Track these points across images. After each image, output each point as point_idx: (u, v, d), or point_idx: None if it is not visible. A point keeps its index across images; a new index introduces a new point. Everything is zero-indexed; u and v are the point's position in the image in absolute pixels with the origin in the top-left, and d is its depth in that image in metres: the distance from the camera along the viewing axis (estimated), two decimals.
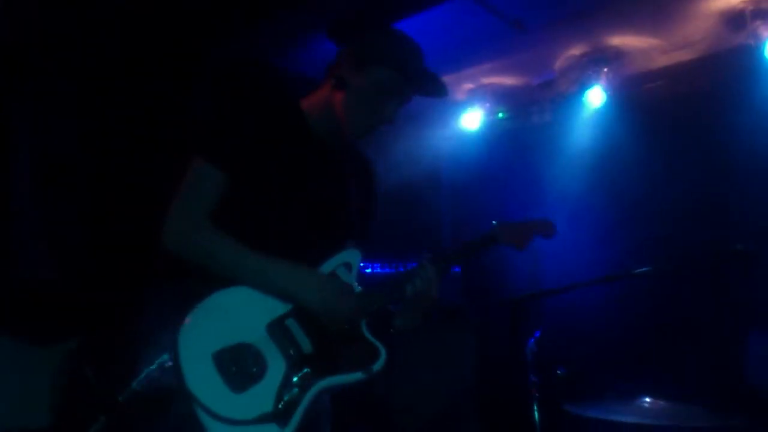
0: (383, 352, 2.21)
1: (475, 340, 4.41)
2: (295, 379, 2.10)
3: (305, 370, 2.12)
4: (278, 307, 2.18)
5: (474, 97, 5.30)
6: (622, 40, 4.70)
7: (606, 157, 4.76)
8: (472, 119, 5.36)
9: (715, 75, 4.70)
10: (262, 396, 2.06)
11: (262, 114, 2.25)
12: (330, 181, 2.37)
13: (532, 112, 5.36)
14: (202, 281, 2.14)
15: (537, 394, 3.85)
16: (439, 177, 5.78)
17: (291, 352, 2.14)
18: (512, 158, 5.23)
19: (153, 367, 2.13)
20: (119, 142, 4.09)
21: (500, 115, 5.46)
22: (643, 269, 3.64)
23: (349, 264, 2.31)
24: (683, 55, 4.75)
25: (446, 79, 5.10)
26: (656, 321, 4.18)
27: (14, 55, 3.74)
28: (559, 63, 4.95)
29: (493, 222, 2.50)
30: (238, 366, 2.06)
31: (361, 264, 2.36)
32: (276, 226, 2.24)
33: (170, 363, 2.06)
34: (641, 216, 4.50)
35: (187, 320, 2.07)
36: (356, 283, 2.30)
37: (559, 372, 3.75)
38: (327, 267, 2.28)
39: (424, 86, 2.33)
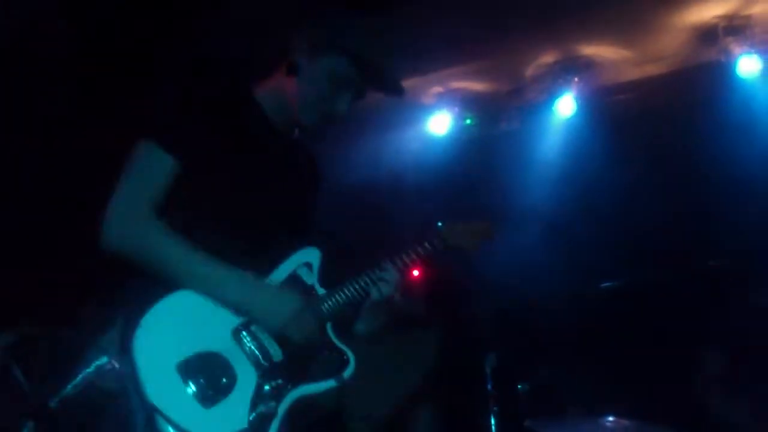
0: (352, 357, 2.08)
1: (435, 347, 4.29)
2: (267, 389, 1.95)
3: (278, 380, 1.97)
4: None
5: (442, 101, 5.19)
6: (594, 50, 4.66)
7: (576, 167, 4.70)
8: (439, 123, 5.25)
9: (686, 90, 4.69)
10: (234, 410, 1.89)
11: (214, 102, 2.08)
12: (288, 173, 2.22)
13: (500, 119, 5.27)
14: (152, 280, 1.92)
15: (495, 407, 3.77)
16: (402, 181, 5.65)
17: (261, 360, 1.97)
18: (479, 165, 5.13)
19: (90, 369, 1.90)
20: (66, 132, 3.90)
21: (468, 121, 5.35)
22: (612, 284, 3.60)
23: (310, 263, 2.15)
24: (655, 69, 4.73)
25: (415, 81, 5.14)
26: (624, 337, 4.11)
27: None
28: (531, 70, 4.89)
29: (438, 223, 2.34)
30: (207, 377, 1.88)
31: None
32: (230, 222, 2.05)
33: (110, 366, 1.84)
34: (611, 229, 4.44)
35: (142, 325, 1.85)
36: (318, 284, 2.14)
37: (520, 387, 3.67)
38: (286, 267, 2.12)
39: (379, 82, 2.17)
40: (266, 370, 1.96)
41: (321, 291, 2.13)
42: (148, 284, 1.92)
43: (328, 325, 2.11)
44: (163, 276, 1.92)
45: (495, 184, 4.86)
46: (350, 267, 2.21)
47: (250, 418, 1.89)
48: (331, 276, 2.17)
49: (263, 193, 2.13)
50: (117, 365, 1.84)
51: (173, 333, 1.89)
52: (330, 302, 2.09)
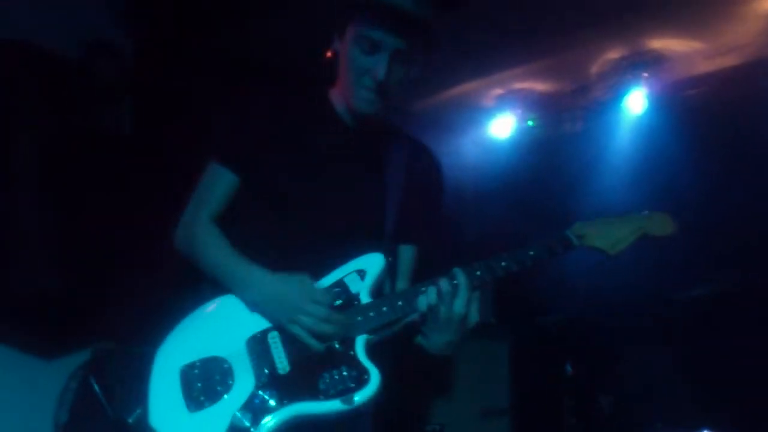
0: (374, 380, 1.87)
1: (509, 360, 4.12)
2: (257, 401, 1.84)
3: (274, 393, 1.86)
4: (264, 320, 1.97)
5: (504, 103, 5.03)
6: (663, 43, 4.45)
7: (649, 166, 4.48)
8: (501, 126, 5.10)
9: (762, 81, 4.45)
10: (215, 418, 1.83)
11: (279, 110, 2.09)
12: (360, 177, 2.12)
13: (565, 119, 5.08)
14: (212, 287, 2.00)
15: (574, 421, 3.60)
16: (463, 187, 5.52)
17: (264, 370, 1.89)
18: (545, 168, 4.95)
19: None
20: (125, 147, 3.90)
21: (530, 122, 5.19)
22: (699, 290, 3.39)
23: (363, 271, 2.01)
24: (728, 60, 4.49)
25: (474, 84, 5.00)
26: (715, 346, 3.86)
27: (17, 54, 3.54)
28: (596, 67, 4.70)
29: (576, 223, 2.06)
30: (204, 382, 1.87)
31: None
32: (288, 230, 2.04)
33: None
34: (691, 232, 4.21)
35: (177, 327, 1.95)
36: (366, 293, 1.98)
37: (601, 400, 3.50)
38: (337, 273, 2.01)
39: (403, 29, 1.94)
40: (266, 382, 1.88)
41: (365, 301, 1.98)
42: (211, 289, 2.00)
43: (360, 339, 1.93)
44: (207, 274, 2.03)
45: (562, 188, 4.68)
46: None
47: (227, 428, 1.81)
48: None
49: (324, 198, 2.05)
50: None
51: (194, 336, 1.94)
52: (371, 313, 1.94)
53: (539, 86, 4.96)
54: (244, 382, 1.88)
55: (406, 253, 2.18)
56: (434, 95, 5.10)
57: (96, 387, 3.32)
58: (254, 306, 1.97)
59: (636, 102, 4.58)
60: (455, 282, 1.90)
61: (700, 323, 3.80)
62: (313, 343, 1.89)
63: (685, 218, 2.17)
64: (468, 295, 1.89)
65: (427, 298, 1.90)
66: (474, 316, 1.92)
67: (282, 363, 1.90)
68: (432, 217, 2.23)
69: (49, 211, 3.60)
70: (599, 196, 4.48)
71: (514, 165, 5.13)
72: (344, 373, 1.88)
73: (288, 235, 2.02)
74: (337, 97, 2.14)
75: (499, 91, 5.03)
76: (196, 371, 1.89)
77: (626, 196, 4.42)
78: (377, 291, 2.01)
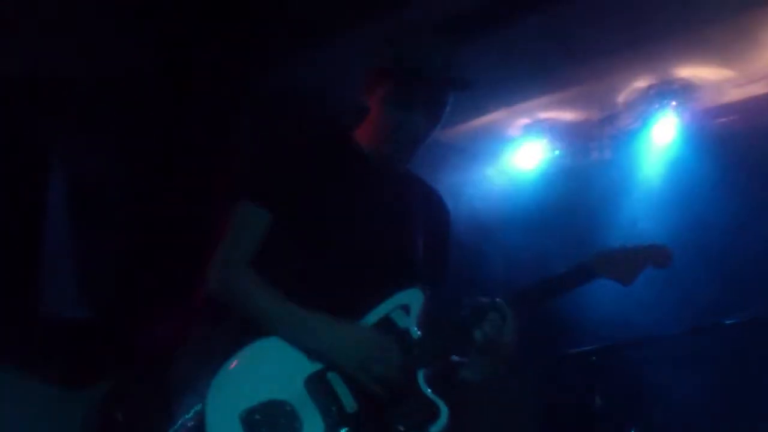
0: (444, 410, 1.88)
1: (537, 394, 4.04)
2: None
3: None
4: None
5: (530, 132, 5.01)
6: (691, 72, 4.41)
7: (678, 196, 4.42)
8: (527, 156, 5.07)
9: None
10: None
11: (309, 148, 2.14)
12: (389, 214, 2.14)
13: (592, 148, 5.05)
14: (246, 327, 1.95)
15: None
16: (488, 218, 5.48)
17: (332, 410, 1.86)
18: (571, 198, 4.90)
19: (188, 415, 2.00)
20: (156, 176, 3.92)
21: (557, 152, 5.16)
22: (731, 320, 3.30)
23: (407, 306, 2.02)
24: (759, 88, 4.44)
25: (499, 114, 4.98)
26: (748, 378, 3.75)
27: (50, 86, 3.61)
28: (623, 96, 4.67)
29: (591, 254, 2.17)
30: (269, 427, 1.81)
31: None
32: (326, 266, 2.03)
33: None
34: (724, 260, 4.12)
35: (221, 372, 1.87)
36: (415, 328, 1.99)
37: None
38: (381, 310, 2.00)
39: (436, 88, 2.06)
40: (336, 422, 1.85)
41: (417, 335, 1.98)
42: (246, 329, 1.95)
43: (421, 373, 1.93)
44: (253, 321, 1.97)
45: (589, 217, 4.62)
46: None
47: None
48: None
49: (360, 236, 2.07)
50: None
51: (246, 381, 1.88)
52: (425, 347, 1.95)
53: (566, 115, 4.94)
54: (313, 424, 1.84)
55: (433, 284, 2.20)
56: (460, 125, 5.10)
57: (118, 416, 3.31)
58: (314, 354, 1.93)
59: (664, 131, 4.54)
60: (504, 314, 1.97)
61: (731, 353, 3.70)
62: (379, 390, 1.88)
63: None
64: (514, 325, 1.97)
65: (482, 330, 1.95)
66: (517, 345, 2.00)
67: (348, 401, 1.88)
68: (443, 261, 2.31)
69: (78, 242, 3.62)
70: (626, 225, 4.43)
71: (541, 194, 5.10)
72: (413, 408, 1.90)
73: (324, 275, 2.02)
74: (364, 140, 2.18)
75: (525, 120, 5.01)
76: (258, 416, 1.83)
77: (654, 225, 4.35)
78: (423, 324, 2.01)
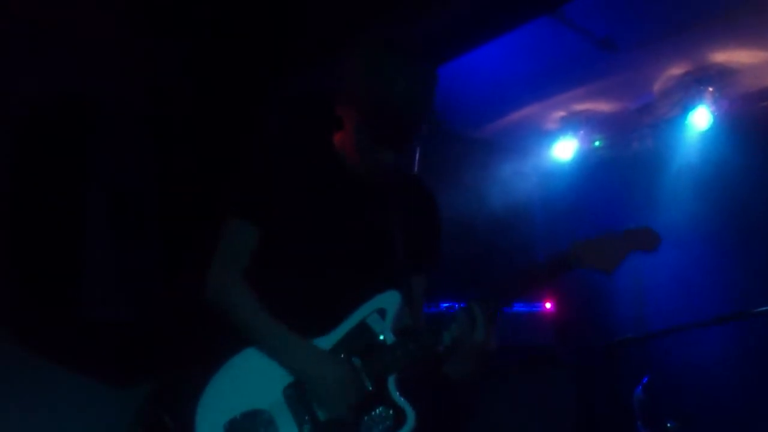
0: (410, 416, 1.97)
1: (574, 388, 4.03)
2: None
3: None
4: None
5: (567, 125, 5.00)
6: (727, 56, 4.31)
7: (716, 183, 4.34)
8: (564, 149, 5.06)
9: None
10: None
11: (293, 162, 2.16)
12: (368, 222, 2.18)
13: (631, 138, 4.99)
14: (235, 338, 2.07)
15: None
16: (532, 212, 5.48)
17: (306, 417, 1.98)
18: (612, 188, 4.86)
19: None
20: (195, 181, 4.05)
21: (596, 143, 5.12)
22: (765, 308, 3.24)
23: (384, 310, 2.08)
24: None
25: (534, 107, 4.98)
26: None
27: (89, 99, 3.77)
28: (659, 84, 4.60)
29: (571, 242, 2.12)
30: None
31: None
32: (307, 273, 2.11)
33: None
34: (762, 247, 4.03)
35: (212, 381, 2.00)
36: (389, 332, 2.05)
37: (669, 425, 3.37)
38: (359, 314, 2.08)
39: (405, 125, 2.03)
40: (309, 429, 1.96)
41: (390, 340, 2.04)
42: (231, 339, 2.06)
43: (392, 379, 2.01)
44: (240, 332, 2.08)
45: (628, 207, 4.58)
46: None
47: None
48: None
49: (339, 242, 2.13)
50: None
51: (232, 390, 2.00)
52: (398, 352, 2.01)
53: (602, 106, 4.89)
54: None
55: (417, 283, 2.25)
56: (497, 120, 5.12)
57: (166, 418, 3.44)
58: (287, 369, 2.04)
59: (702, 118, 4.46)
60: (472, 314, 2.01)
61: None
62: (343, 415, 1.97)
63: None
64: (486, 326, 2.00)
65: (450, 332, 2.00)
66: (493, 344, 2.02)
67: (322, 409, 1.99)
68: (434, 246, 2.31)
69: (120, 247, 3.76)
70: (667, 212, 4.37)
71: (581, 185, 5.07)
72: (382, 414, 1.98)
73: (306, 282, 2.09)
74: (341, 149, 2.19)
75: (561, 113, 4.99)
76: (240, 427, 1.96)
77: (690, 214, 4.28)
78: (399, 328, 2.08)
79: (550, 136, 5.11)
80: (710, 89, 4.42)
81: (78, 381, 3.53)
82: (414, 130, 2.06)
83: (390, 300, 2.08)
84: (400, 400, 1.98)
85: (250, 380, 2.01)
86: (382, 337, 2.04)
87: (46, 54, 3.59)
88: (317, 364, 1.99)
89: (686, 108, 4.53)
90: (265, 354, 2.04)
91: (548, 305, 4.34)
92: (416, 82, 2.02)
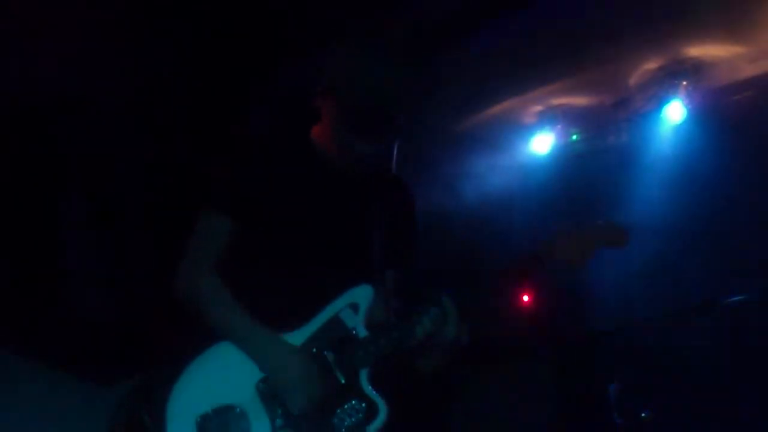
0: (382, 409, 1.99)
1: (552, 380, 4.08)
2: None
3: None
4: None
5: (544, 119, 5.03)
6: (701, 50, 4.36)
7: (690, 175, 4.40)
8: (542, 143, 5.09)
9: None
10: None
11: (270, 155, 2.16)
12: (343, 216, 2.20)
13: (607, 132, 5.04)
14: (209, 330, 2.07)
15: None
16: (509, 205, 5.51)
17: (278, 411, 1.98)
18: (589, 182, 4.91)
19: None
20: (177, 181, 4.04)
21: (574, 137, 5.16)
22: (741, 296, 3.30)
23: (356, 304, 2.09)
24: None
25: (513, 102, 5.01)
26: (760, 358, 3.72)
27: (67, 100, 3.75)
28: (634, 79, 4.65)
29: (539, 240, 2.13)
30: (220, 431, 1.94)
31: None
32: (279, 271, 2.11)
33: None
34: (735, 238, 4.10)
35: (182, 376, 1.99)
36: (362, 327, 2.07)
37: (644, 415, 3.42)
38: (332, 309, 2.09)
39: (383, 120, 2.04)
40: (281, 424, 1.97)
41: (363, 334, 2.06)
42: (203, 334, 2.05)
43: (364, 372, 2.02)
44: (211, 327, 2.06)
45: (605, 200, 4.63)
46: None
47: None
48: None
49: (313, 236, 2.14)
50: None
51: (203, 386, 1.99)
52: (371, 347, 2.03)
53: (579, 101, 4.93)
54: (260, 426, 1.96)
55: (391, 277, 2.27)
56: (475, 114, 5.15)
57: (144, 415, 3.45)
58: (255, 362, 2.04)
59: (676, 112, 4.51)
60: (444, 309, 2.02)
61: (745, 331, 3.68)
62: (310, 409, 1.98)
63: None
64: (458, 321, 2.01)
65: (422, 327, 2.01)
66: (464, 338, 2.04)
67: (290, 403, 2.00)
68: (409, 241, 2.32)
69: (102, 250, 3.75)
70: (642, 207, 4.42)
71: (559, 178, 5.11)
72: (354, 407, 1.99)
73: (280, 277, 2.09)
74: (320, 142, 2.20)
75: (538, 107, 5.03)
76: (211, 421, 1.95)
77: (667, 205, 4.34)
78: (371, 322, 2.09)
79: (528, 130, 5.14)
80: (684, 83, 4.47)
81: (59, 380, 3.54)
82: (392, 122, 2.05)
83: (363, 294, 2.09)
84: (372, 394, 2.00)
85: (223, 375, 2.01)
86: (354, 332, 2.05)
87: (25, 54, 3.57)
88: (283, 358, 2.00)
89: (661, 102, 4.57)
90: (236, 348, 2.04)
91: (525, 298, 4.38)
92: (396, 73, 2.03)
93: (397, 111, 2.05)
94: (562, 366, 4.14)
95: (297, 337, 2.06)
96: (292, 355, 2.02)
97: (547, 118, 5.02)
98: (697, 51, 4.37)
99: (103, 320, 3.79)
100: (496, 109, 5.04)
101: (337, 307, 2.08)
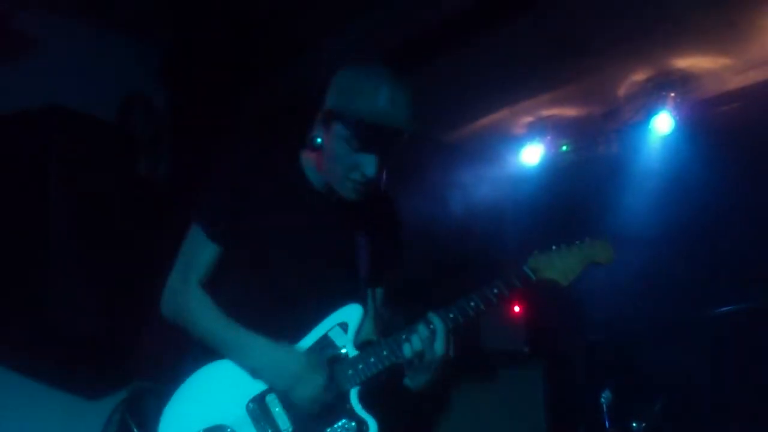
0: (372, 427, 2.00)
1: (545, 387, 4.07)
2: None
3: None
4: (261, 382, 2.05)
5: (534, 130, 5.06)
6: (689, 62, 4.40)
7: (678, 185, 4.42)
8: (532, 154, 5.11)
9: None
10: None
11: (261, 181, 2.15)
12: (332, 238, 2.19)
13: (597, 143, 5.07)
14: (201, 351, 2.07)
15: None
16: (499, 217, 5.52)
17: (268, 430, 1.99)
18: (578, 192, 4.92)
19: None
20: (163, 187, 4.04)
21: (564, 148, 5.19)
22: (730, 307, 3.31)
23: (346, 323, 2.10)
24: (760, 74, 4.41)
25: (503, 113, 5.03)
26: (753, 370, 3.72)
27: (58, 105, 3.74)
28: (623, 90, 4.68)
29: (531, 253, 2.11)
30: None
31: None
32: (270, 289, 2.12)
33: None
34: (724, 247, 4.11)
35: (175, 395, 2.01)
36: (351, 346, 2.07)
37: (635, 425, 3.42)
38: (321, 328, 2.10)
39: (391, 137, 1.99)
40: None
41: (353, 353, 2.06)
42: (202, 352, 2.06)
43: (353, 391, 2.03)
44: (201, 342, 2.08)
45: (594, 210, 4.65)
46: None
47: None
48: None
49: (302, 256, 2.14)
50: None
51: (195, 406, 2.00)
52: (360, 366, 2.03)
53: (568, 112, 4.96)
54: None
55: (378, 295, 2.30)
56: (465, 126, 5.16)
57: (131, 422, 3.44)
58: (252, 372, 2.05)
59: (663, 122, 4.54)
60: (432, 327, 2.01)
61: (734, 342, 3.69)
62: (310, 408, 1.99)
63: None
64: (446, 337, 2.01)
65: (410, 345, 2.00)
66: (452, 355, 2.03)
67: (284, 423, 2.00)
68: (396, 259, 2.33)
69: (89, 259, 3.73)
70: (631, 216, 4.44)
71: (548, 189, 5.13)
72: (345, 426, 2.00)
73: (269, 298, 2.10)
74: (313, 166, 2.18)
75: (528, 118, 5.05)
76: None
77: (657, 216, 4.35)
78: (360, 340, 2.11)
79: (518, 141, 5.17)
80: (672, 95, 4.51)
81: (48, 392, 3.52)
82: (397, 140, 2.01)
83: (352, 313, 2.10)
84: (362, 412, 2.01)
85: (214, 395, 2.02)
86: (344, 351, 2.06)
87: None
88: (281, 354, 2.01)
89: (649, 113, 4.61)
90: (231, 359, 2.04)
91: (516, 309, 4.39)
92: (400, 93, 1.99)
93: (400, 128, 2.00)
94: (553, 375, 4.13)
95: None
96: (289, 349, 2.02)
97: (537, 129, 5.06)
98: (685, 63, 4.40)
99: (91, 334, 3.76)
100: (486, 120, 5.07)
101: (326, 326, 2.09)
